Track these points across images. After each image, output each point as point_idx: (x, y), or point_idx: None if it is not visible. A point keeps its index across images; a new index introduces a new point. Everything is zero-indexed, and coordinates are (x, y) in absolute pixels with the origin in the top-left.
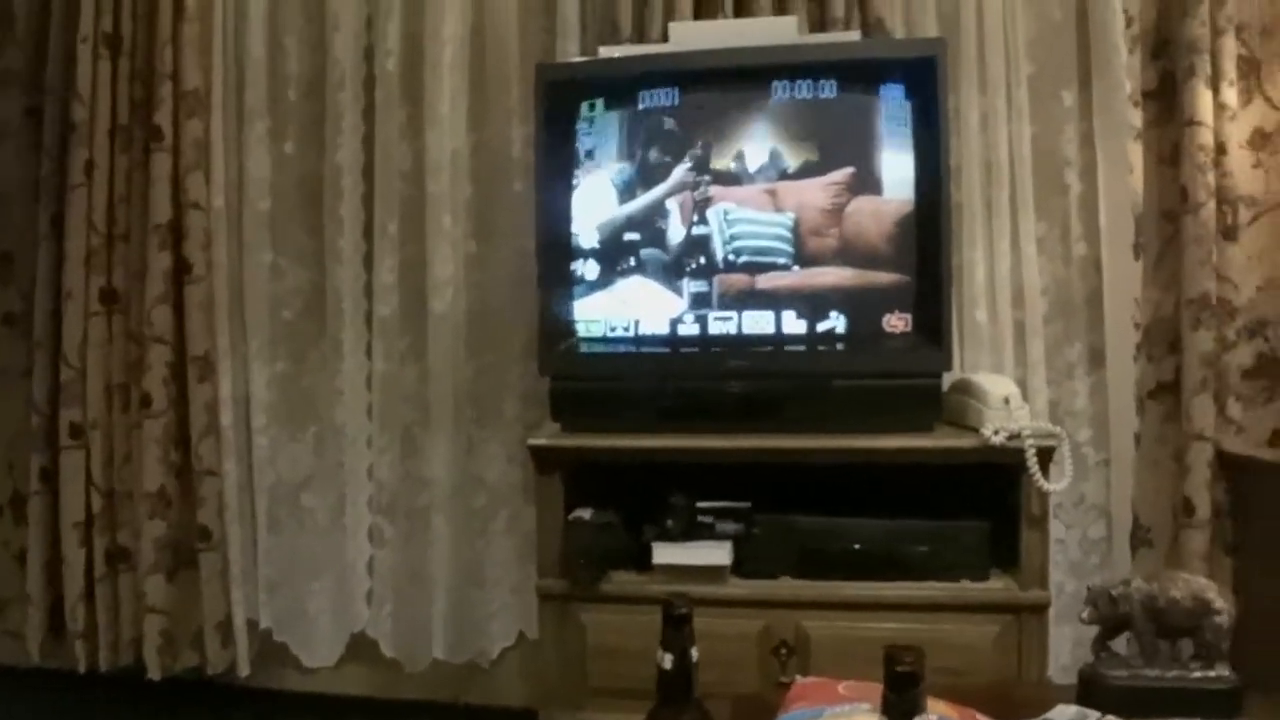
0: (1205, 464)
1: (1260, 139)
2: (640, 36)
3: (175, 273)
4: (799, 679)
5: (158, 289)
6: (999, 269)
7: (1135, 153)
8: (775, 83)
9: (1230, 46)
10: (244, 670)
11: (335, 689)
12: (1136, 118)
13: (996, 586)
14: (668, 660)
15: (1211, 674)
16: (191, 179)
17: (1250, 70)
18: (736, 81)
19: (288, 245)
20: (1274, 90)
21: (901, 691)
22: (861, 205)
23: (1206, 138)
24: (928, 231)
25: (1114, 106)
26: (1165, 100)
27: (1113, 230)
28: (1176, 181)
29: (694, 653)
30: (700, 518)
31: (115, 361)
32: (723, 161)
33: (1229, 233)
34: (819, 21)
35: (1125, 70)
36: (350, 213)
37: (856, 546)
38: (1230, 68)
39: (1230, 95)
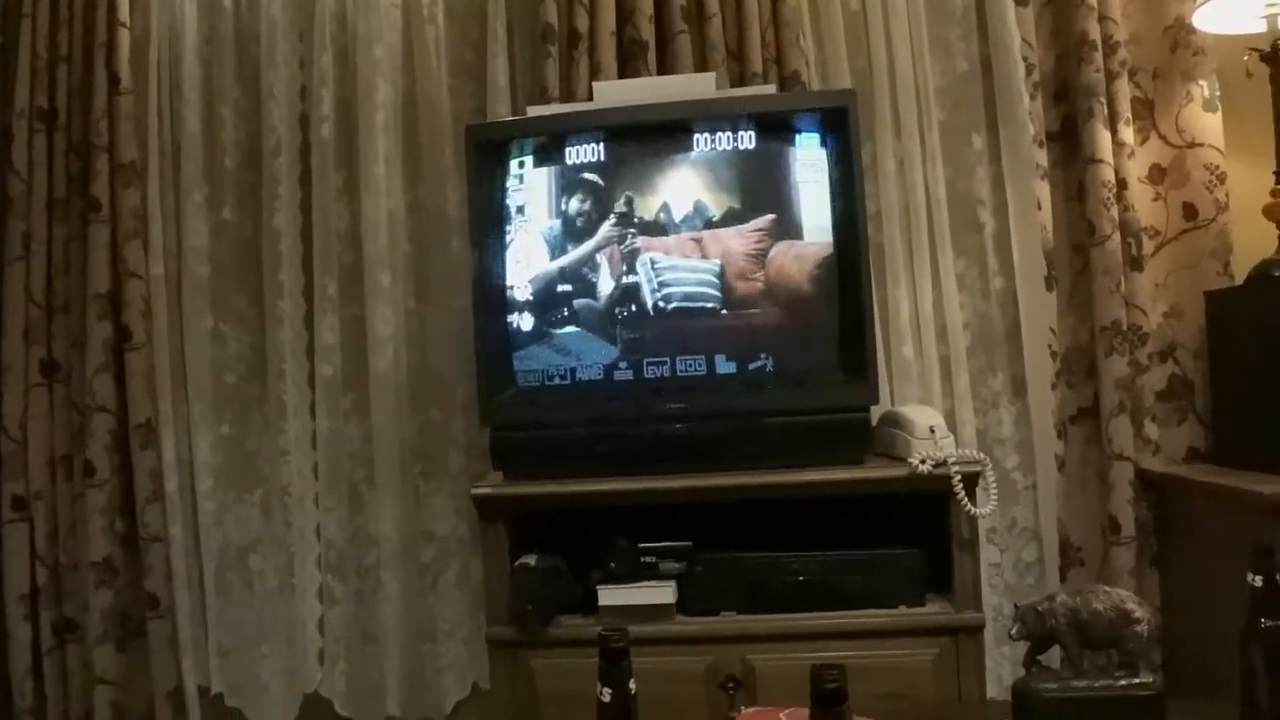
0: (1127, 483)
1: (1158, 174)
2: (568, 96)
3: (116, 341)
4: (743, 710)
5: (98, 358)
6: (922, 306)
7: (1043, 191)
8: (696, 135)
9: (1125, 89)
10: None
11: None
12: (1042, 158)
13: (933, 611)
14: (607, 694)
15: (1135, 681)
16: (130, 248)
17: (1146, 110)
18: (659, 135)
19: (228, 310)
20: (1169, 128)
21: (828, 707)
22: (783, 250)
23: (1108, 174)
24: (848, 272)
25: (1020, 148)
26: (1068, 141)
27: (1026, 264)
28: (1083, 217)
29: (632, 685)
30: (644, 558)
31: (58, 432)
32: (649, 212)
33: (1135, 263)
34: (739, 76)
35: (1029, 114)
36: (290, 275)
37: (797, 579)
38: (1126, 108)
39: (1128, 134)
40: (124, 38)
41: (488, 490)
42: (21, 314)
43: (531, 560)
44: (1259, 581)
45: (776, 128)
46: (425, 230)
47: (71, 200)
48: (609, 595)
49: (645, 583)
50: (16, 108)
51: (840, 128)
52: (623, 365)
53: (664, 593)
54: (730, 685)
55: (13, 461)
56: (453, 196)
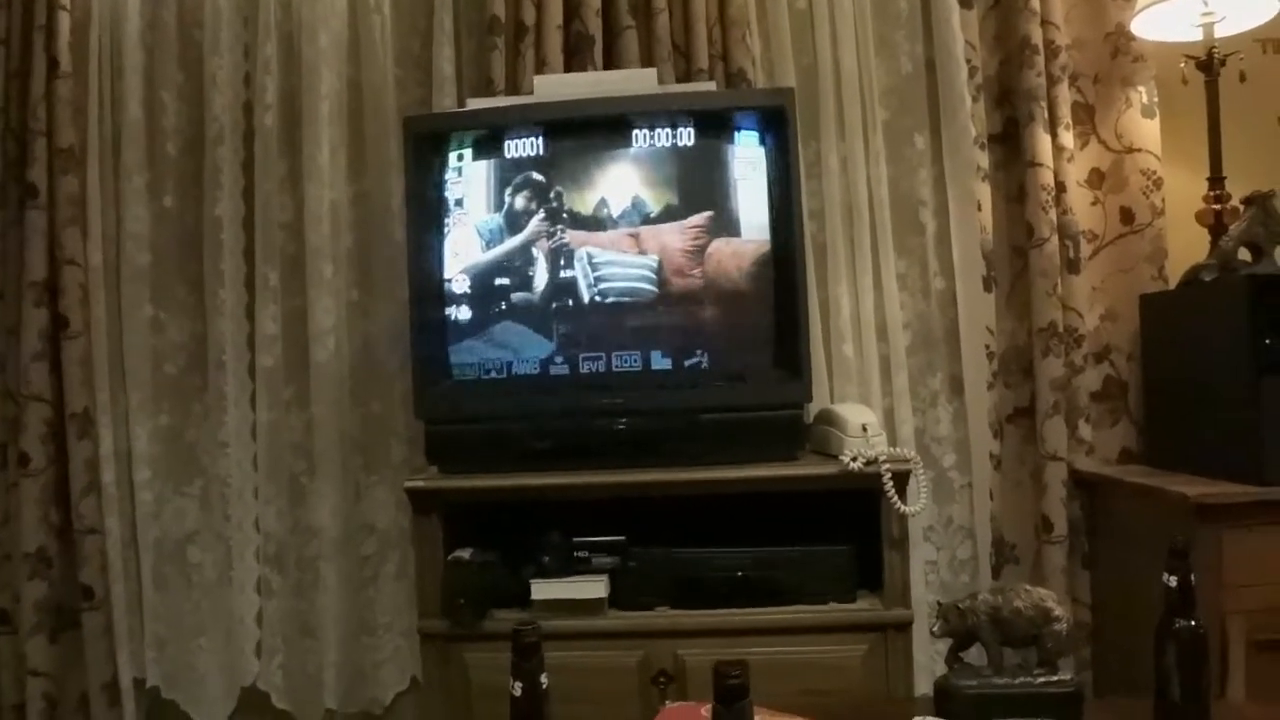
0: (1060, 483)
1: (1097, 178)
2: (514, 89)
3: (52, 330)
4: (667, 704)
5: (34, 346)
6: (864, 305)
7: (984, 192)
8: (635, 131)
9: (1065, 94)
10: None
11: None
12: (984, 160)
13: (862, 607)
14: (518, 688)
15: (1055, 679)
16: (68, 235)
17: (1087, 115)
18: (598, 131)
19: (168, 299)
20: (1108, 133)
21: (730, 704)
22: (721, 247)
23: (1047, 178)
24: (784, 270)
25: (962, 150)
26: (1010, 144)
27: (965, 265)
28: (1023, 219)
29: (544, 680)
30: (577, 553)
31: None
32: (587, 207)
33: (1072, 265)
34: (685, 73)
35: (971, 116)
36: (231, 265)
37: (729, 575)
38: (1066, 113)
39: (1068, 138)
40: (64, 21)
41: (421, 483)
42: None
43: (465, 554)
44: (1173, 582)
45: (715, 125)
46: (368, 221)
47: (8, 186)
48: (542, 589)
49: (578, 577)
50: None
51: (779, 126)
52: (559, 360)
53: (597, 587)
54: (661, 680)
55: None
56: (397, 188)
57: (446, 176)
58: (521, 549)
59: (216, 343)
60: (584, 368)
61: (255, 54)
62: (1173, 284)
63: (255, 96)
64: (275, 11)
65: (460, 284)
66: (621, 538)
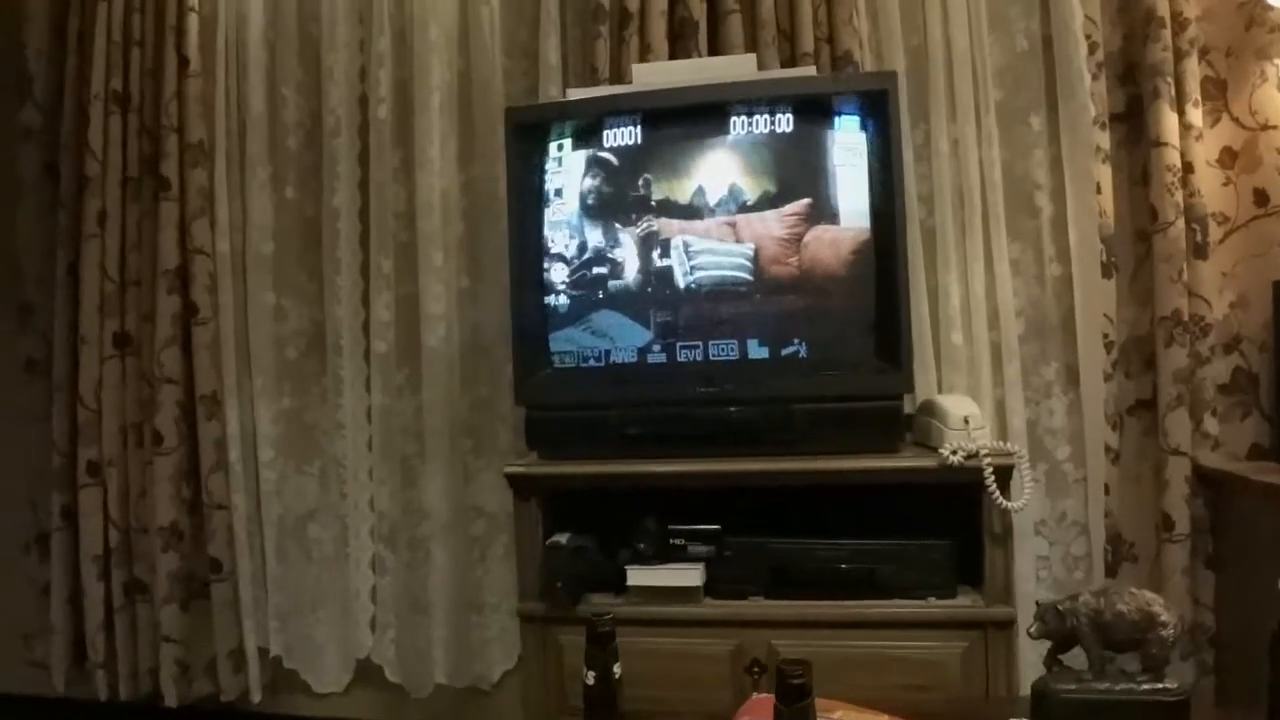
0: (1183, 479)
1: (1229, 157)
2: (618, 77)
3: (183, 315)
4: (755, 695)
5: (167, 332)
6: (974, 291)
7: (1104, 174)
8: (733, 118)
9: (1194, 69)
10: (256, 696)
11: (344, 713)
12: (1104, 140)
13: (963, 603)
14: (591, 677)
15: (1159, 686)
16: (197, 226)
17: (1218, 91)
18: (695, 118)
19: (289, 286)
20: (1241, 109)
21: (791, 704)
22: (819, 234)
23: (1173, 158)
24: (885, 258)
25: (1080, 130)
26: (1133, 122)
27: (1082, 250)
28: (1146, 201)
29: (617, 669)
30: (673, 540)
31: (129, 402)
32: (684, 196)
33: (1199, 250)
34: (789, 57)
35: (1090, 94)
36: (348, 253)
37: (825, 566)
38: (1195, 89)
39: (1196, 116)
40: (193, 21)
41: (520, 468)
42: (97, 288)
43: (563, 539)
44: None
45: (815, 111)
46: (477, 209)
47: (143, 179)
48: (637, 576)
49: (674, 564)
50: (93, 90)
51: (880, 111)
52: (656, 348)
53: (692, 575)
54: (755, 670)
55: (88, 429)
56: (505, 177)
57: (547, 166)
58: (618, 535)
59: (334, 329)
60: (681, 356)
61: (369, 48)
62: None
63: (370, 89)
64: (388, 6)
65: (559, 273)
66: (717, 526)
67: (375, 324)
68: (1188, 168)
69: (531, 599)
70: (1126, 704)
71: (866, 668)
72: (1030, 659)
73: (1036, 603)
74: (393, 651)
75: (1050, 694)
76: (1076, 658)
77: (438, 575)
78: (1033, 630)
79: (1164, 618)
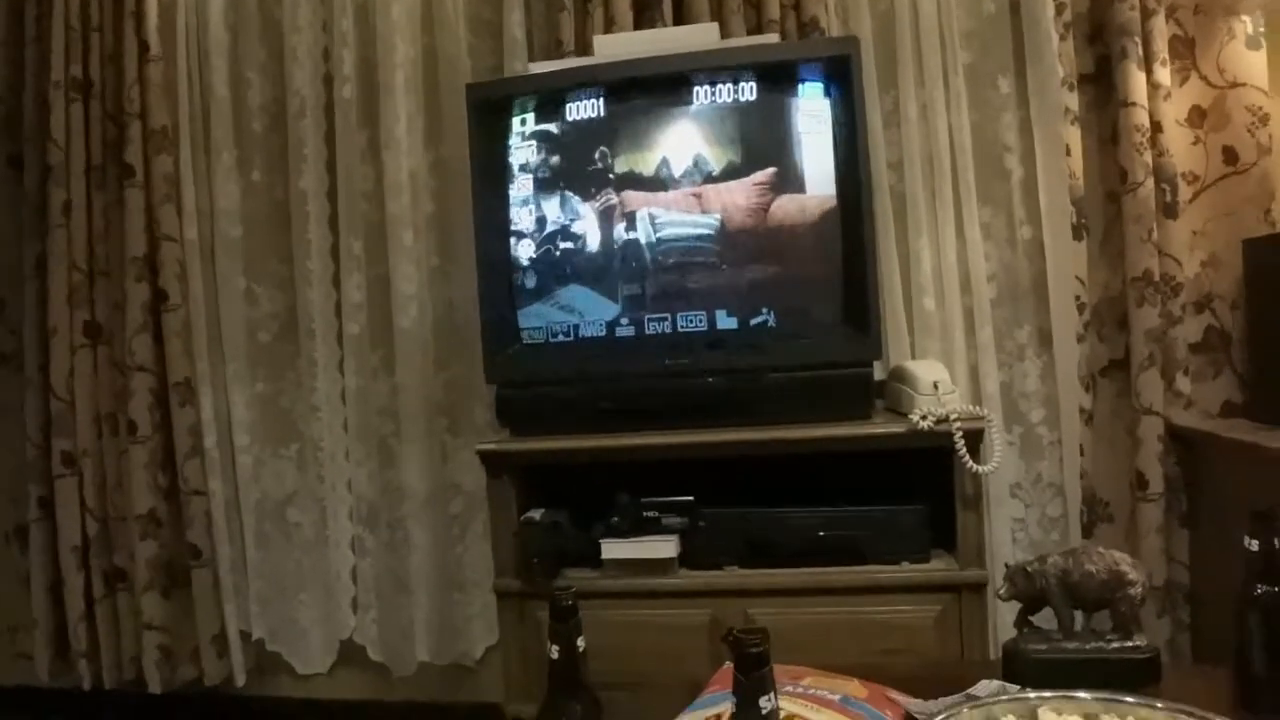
0: (1156, 438)
1: (1198, 116)
2: (583, 49)
3: (153, 303)
4: (728, 664)
5: (137, 320)
6: (946, 257)
7: (1073, 136)
8: (696, 88)
9: (1161, 27)
10: (240, 680)
11: (329, 694)
12: (1073, 101)
13: (936, 567)
14: (555, 651)
15: (1129, 644)
16: (164, 212)
17: (1186, 49)
18: (658, 89)
19: (260, 270)
20: (1209, 67)
21: (749, 673)
22: (785, 203)
23: (1142, 118)
24: (852, 225)
25: (1049, 92)
26: (1102, 83)
27: (1053, 213)
28: (1116, 163)
29: (581, 643)
30: (646, 513)
31: (102, 391)
32: (648, 168)
33: (1169, 210)
34: (756, 25)
35: (1059, 56)
36: (317, 235)
37: (799, 535)
38: (1163, 48)
39: (1164, 75)
40: (152, 5)
41: (492, 446)
42: (65, 279)
43: (537, 515)
44: (1255, 546)
45: (778, 78)
46: (446, 188)
47: (108, 167)
48: (612, 549)
49: (648, 537)
50: (53, 78)
51: (844, 77)
52: (624, 322)
53: (666, 547)
54: (730, 638)
55: (62, 419)
56: None
57: (510, 142)
58: (593, 509)
59: (305, 312)
60: (650, 329)
61: (332, 28)
62: None
63: (334, 69)
64: None
65: (526, 249)
66: (690, 498)
67: (347, 306)
68: (1156, 127)
69: (508, 576)
70: (1096, 662)
71: (842, 633)
72: (1006, 621)
73: (1006, 565)
74: (375, 631)
75: (1021, 654)
76: (1048, 619)
77: (418, 554)
78: (1002, 592)
79: (1132, 576)
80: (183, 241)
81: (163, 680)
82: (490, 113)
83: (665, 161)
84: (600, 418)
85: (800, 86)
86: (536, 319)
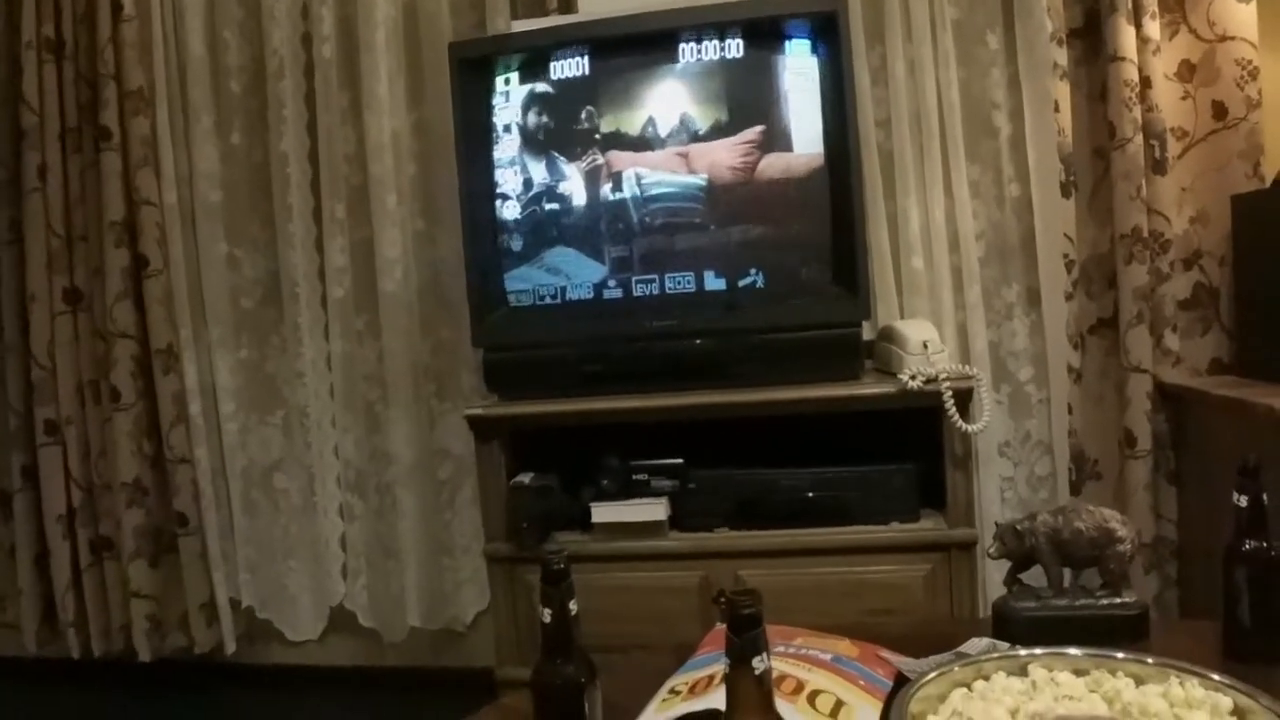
0: (1144, 396)
1: (1187, 70)
2: (568, 7)
3: (134, 268)
4: (719, 626)
5: (118, 285)
6: (934, 216)
7: (1062, 92)
8: (682, 46)
9: None
10: (231, 648)
11: (320, 661)
12: (1062, 56)
13: (925, 526)
14: (547, 615)
15: (1118, 600)
16: (142, 176)
17: (1175, 2)
18: (644, 47)
19: (241, 235)
20: (1199, 21)
21: (742, 633)
22: (773, 162)
23: (1131, 73)
24: (839, 183)
25: (1037, 47)
26: (1091, 38)
27: (1041, 170)
28: (1105, 118)
29: (573, 606)
30: (636, 476)
31: (83, 358)
32: (634, 127)
33: (1158, 166)
34: None
35: (1047, 10)
36: (299, 199)
37: (790, 495)
38: (1152, 1)
39: (1154, 29)
40: None
41: (480, 410)
42: (43, 244)
43: (526, 479)
44: (1243, 502)
45: (764, 35)
46: (430, 150)
47: (83, 129)
48: (602, 512)
49: (638, 500)
50: (24, 38)
51: (831, 33)
52: (612, 284)
53: (656, 510)
54: (721, 599)
55: (43, 387)
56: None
57: (494, 102)
58: (582, 473)
59: (289, 276)
60: (637, 290)
61: None
62: (1269, 182)
63: (313, 28)
64: None
65: (511, 210)
66: (680, 460)
67: (331, 270)
68: (1145, 82)
69: (498, 540)
70: (1086, 619)
71: (832, 593)
72: (995, 579)
73: (995, 523)
74: (365, 598)
75: (1010, 612)
76: (1038, 576)
77: (407, 520)
78: (992, 550)
79: (1121, 533)
80: (162, 206)
81: (152, 649)
82: (473, 72)
83: (651, 120)
84: (588, 381)
85: (787, 44)
86: (523, 282)
